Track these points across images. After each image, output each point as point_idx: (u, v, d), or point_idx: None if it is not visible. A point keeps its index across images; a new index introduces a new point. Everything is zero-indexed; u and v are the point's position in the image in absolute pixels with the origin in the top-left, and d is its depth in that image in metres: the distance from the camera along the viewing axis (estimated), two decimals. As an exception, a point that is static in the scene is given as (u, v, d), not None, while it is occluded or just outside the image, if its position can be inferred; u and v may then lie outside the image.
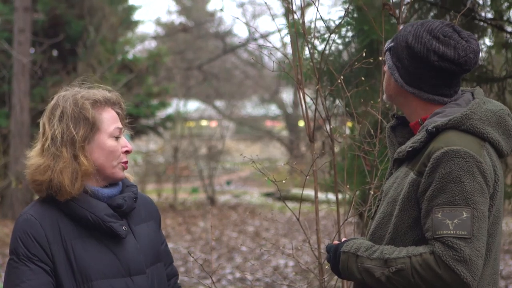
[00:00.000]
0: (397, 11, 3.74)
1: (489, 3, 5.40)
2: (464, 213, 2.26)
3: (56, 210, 2.49)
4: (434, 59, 2.38)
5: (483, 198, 2.30)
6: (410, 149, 2.43)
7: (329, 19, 4.99)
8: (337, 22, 4.98)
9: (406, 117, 2.56)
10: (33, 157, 2.53)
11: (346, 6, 5.05)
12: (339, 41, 5.23)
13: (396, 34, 2.53)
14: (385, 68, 2.54)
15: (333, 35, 4.13)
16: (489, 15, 5.52)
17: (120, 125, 2.58)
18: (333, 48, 5.12)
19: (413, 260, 2.30)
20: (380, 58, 3.47)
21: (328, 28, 4.88)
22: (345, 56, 5.42)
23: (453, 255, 2.25)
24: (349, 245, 2.44)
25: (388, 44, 2.54)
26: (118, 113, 2.60)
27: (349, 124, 4.74)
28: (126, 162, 2.59)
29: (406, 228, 2.39)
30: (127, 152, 2.58)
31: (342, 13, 5.00)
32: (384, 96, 2.60)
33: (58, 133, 2.49)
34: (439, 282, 2.27)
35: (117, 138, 2.56)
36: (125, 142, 2.58)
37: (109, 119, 2.55)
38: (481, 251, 2.27)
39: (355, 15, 5.08)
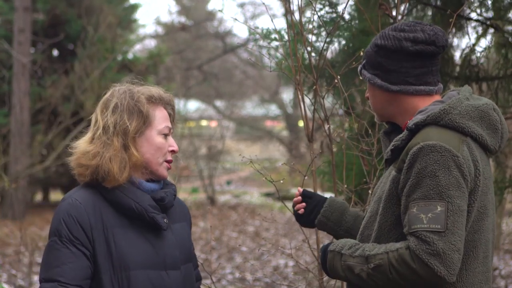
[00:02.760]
0: (393, 11, 3.75)
1: (489, 2, 5.39)
2: (438, 207, 2.26)
3: (100, 197, 2.51)
4: (408, 45, 2.42)
5: (460, 192, 2.28)
6: (392, 147, 2.43)
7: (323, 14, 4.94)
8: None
9: (399, 124, 2.55)
10: (81, 145, 2.54)
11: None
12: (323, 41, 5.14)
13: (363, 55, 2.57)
14: (368, 86, 2.56)
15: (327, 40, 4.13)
16: (485, 15, 5.51)
17: (170, 125, 2.62)
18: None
19: (390, 255, 2.30)
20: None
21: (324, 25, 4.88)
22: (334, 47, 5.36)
23: (426, 248, 2.24)
24: (335, 244, 2.46)
25: (360, 66, 2.58)
26: (169, 114, 2.64)
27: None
28: (171, 161, 2.62)
29: (389, 226, 2.40)
30: (173, 152, 2.61)
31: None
32: (376, 118, 2.60)
33: (111, 123, 2.51)
34: (414, 277, 2.27)
35: (165, 136, 2.59)
36: (172, 142, 2.62)
37: (161, 117, 2.59)
38: (456, 245, 2.25)
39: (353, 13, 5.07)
